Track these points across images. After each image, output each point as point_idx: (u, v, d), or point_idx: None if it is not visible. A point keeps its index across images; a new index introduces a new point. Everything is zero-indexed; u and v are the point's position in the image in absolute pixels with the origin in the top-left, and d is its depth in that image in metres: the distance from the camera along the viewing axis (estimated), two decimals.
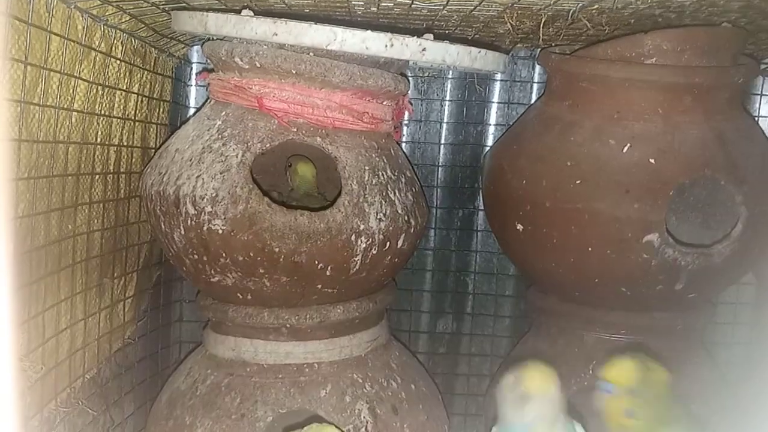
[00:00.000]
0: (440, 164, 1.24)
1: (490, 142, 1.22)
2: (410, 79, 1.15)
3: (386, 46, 0.81)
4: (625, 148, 0.91)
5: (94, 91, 0.84)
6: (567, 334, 1.04)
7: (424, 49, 0.83)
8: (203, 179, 0.84)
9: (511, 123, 1.19)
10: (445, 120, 1.23)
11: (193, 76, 1.17)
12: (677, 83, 0.90)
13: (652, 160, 0.90)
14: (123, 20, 0.87)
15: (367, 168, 0.88)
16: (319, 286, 0.88)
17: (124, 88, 0.93)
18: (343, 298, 0.92)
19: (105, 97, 0.87)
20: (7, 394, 0.36)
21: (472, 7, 0.83)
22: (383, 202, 0.88)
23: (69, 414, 0.84)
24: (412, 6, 0.84)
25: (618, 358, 0.76)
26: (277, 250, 0.84)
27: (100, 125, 0.88)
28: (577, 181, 0.91)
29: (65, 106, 0.77)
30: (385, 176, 0.90)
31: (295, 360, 0.92)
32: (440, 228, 1.25)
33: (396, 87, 0.89)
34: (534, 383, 0.70)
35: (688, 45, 0.91)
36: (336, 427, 0.69)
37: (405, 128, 1.22)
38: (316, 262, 0.85)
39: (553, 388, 0.71)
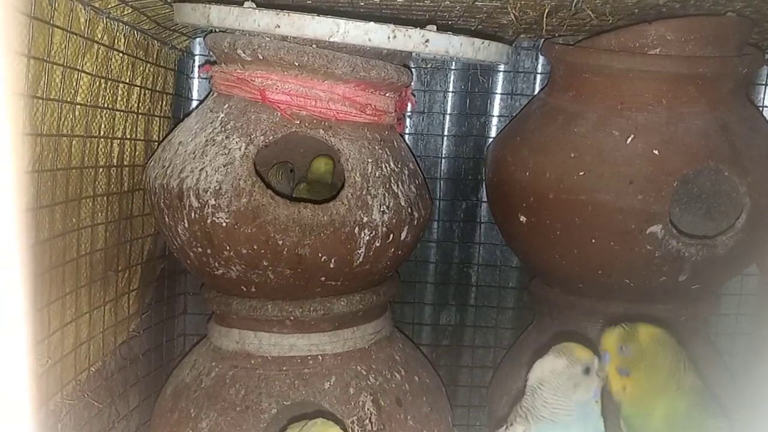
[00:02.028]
0: (443, 156, 1.23)
1: (493, 133, 1.22)
2: (413, 70, 1.15)
3: (389, 37, 0.81)
4: (629, 139, 0.91)
5: (97, 84, 0.84)
6: (570, 325, 1.04)
7: (427, 41, 0.82)
8: (207, 172, 0.84)
9: (514, 114, 1.18)
10: (448, 111, 1.22)
11: (196, 69, 1.17)
12: (681, 74, 0.90)
13: (655, 151, 0.90)
14: (125, 13, 0.87)
15: (370, 160, 0.88)
16: (323, 278, 0.88)
17: (127, 80, 0.92)
18: (347, 291, 0.93)
19: (108, 90, 0.87)
20: (22, 387, 0.36)
21: None
22: (386, 195, 0.88)
23: (74, 406, 0.84)
24: None
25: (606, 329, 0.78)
26: (280, 242, 0.84)
27: (104, 118, 0.88)
28: (581, 173, 0.91)
29: (68, 100, 0.77)
30: (389, 168, 0.90)
31: (299, 352, 0.93)
32: (443, 220, 1.25)
33: (399, 78, 0.89)
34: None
35: (692, 35, 0.90)
36: (341, 428, 0.69)
37: (408, 120, 1.22)
38: (320, 255, 0.85)
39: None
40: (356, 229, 0.86)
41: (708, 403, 0.77)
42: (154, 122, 1.04)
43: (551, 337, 1.03)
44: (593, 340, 0.82)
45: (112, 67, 0.88)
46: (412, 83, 1.08)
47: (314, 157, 1.04)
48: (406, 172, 0.94)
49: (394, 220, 0.89)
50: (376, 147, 0.90)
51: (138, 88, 0.96)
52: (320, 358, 0.93)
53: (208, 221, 0.84)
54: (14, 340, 0.37)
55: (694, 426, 0.74)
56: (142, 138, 1.00)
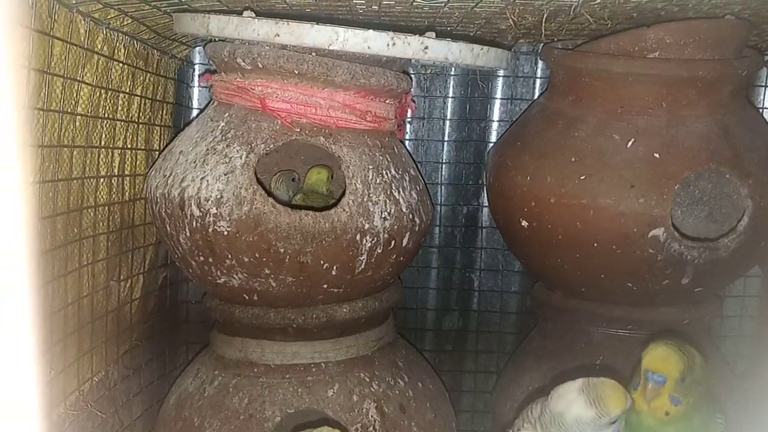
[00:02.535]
0: (444, 161, 1.23)
1: (493, 138, 1.22)
2: (413, 76, 1.15)
3: (388, 45, 0.81)
4: (629, 143, 0.91)
5: (98, 94, 0.84)
6: (573, 329, 1.03)
7: (426, 48, 0.83)
8: (208, 181, 0.85)
9: (514, 119, 1.18)
10: (448, 117, 1.23)
11: (196, 78, 1.17)
12: (680, 77, 0.90)
13: (656, 155, 0.89)
14: (125, 23, 0.87)
15: (371, 167, 0.88)
16: (325, 285, 0.88)
17: (127, 90, 0.93)
18: (349, 298, 0.92)
19: (108, 100, 0.88)
20: (31, 396, 0.37)
21: (474, 4, 0.83)
22: (388, 201, 0.88)
23: (78, 417, 0.84)
24: (414, 4, 0.84)
25: (661, 346, 0.74)
26: (282, 250, 0.84)
27: (104, 128, 0.88)
28: (582, 177, 0.91)
29: (69, 110, 0.78)
30: (389, 175, 0.90)
31: (302, 360, 0.92)
32: (445, 225, 1.25)
33: (398, 85, 0.89)
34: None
35: (691, 38, 0.91)
36: None
37: (408, 126, 1.22)
38: (322, 262, 0.85)
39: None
40: (358, 236, 0.86)
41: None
42: (155, 131, 1.05)
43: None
44: (624, 376, 0.79)
45: (113, 77, 0.88)
46: (412, 89, 1.08)
47: (309, 168, 1.03)
48: (407, 178, 0.94)
49: (395, 227, 0.89)
50: (377, 154, 0.90)
51: (138, 98, 0.96)
52: (323, 365, 0.93)
53: (210, 230, 0.84)
54: (22, 349, 0.37)
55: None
56: (143, 147, 1.00)
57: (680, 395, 0.73)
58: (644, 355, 0.74)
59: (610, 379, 0.69)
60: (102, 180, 0.89)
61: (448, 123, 1.23)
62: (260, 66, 0.84)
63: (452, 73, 1.21)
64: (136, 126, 0.97)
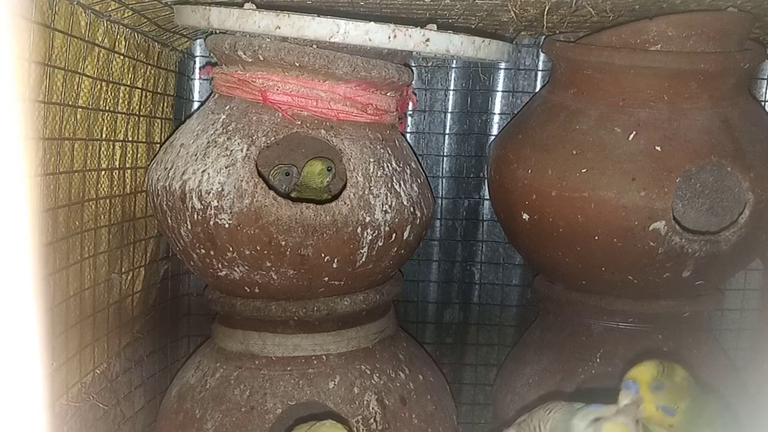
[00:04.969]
0: (445, 154, 1.23)
1: (494, 131, 1.22)
2: (414, 69, 1.15)
3: (389, 37, 0.81)
4: (631, 136, 0.90)
5: (99, 87, 0.84)
6: (574, 322, 1.04)
7: (427, 40, 0.82)
8: (209, 174, 0.85)
9: (515, 112, 1.18)
10: (450, 110, 1.22)
11: (197, 70, 1.17)
12: (682, 69, 0.90)
13: (658, 148, 0.89)
14: (126, 15, 0.87)
15: (371, 160, 0.88)
16: (326, 278, 0.88)
17: (128, 83, 0.93)
18: (350, 291, 0.93)
19: (109, 93, 0.88)
20: (35, 388, 0.37)
21: None
22: (389, 194, 0.88)
23: (80, 409, 0.84)
24: None
25: (641, 360, 0.75)
26: (283, 243, 0.84)
27: (105, 121, 0.88)
28: (583, 170, 0.91)
29: (70, 103, 0.78)
30: (390, 168, 0.90)
31: (304, 352, 0.93)
32: (446, 218, 1.25)
33: (400, 78, 0.89)
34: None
35: (693, 31, 0.90)
36: (347, 430, 0.69)
37: (409, 119, 1.22)
38: (323, 255, 0.85)
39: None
40: (359, 229, 0.86)
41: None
42: (156, 124, 1.04)
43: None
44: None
45: (113, 69, 0.88)
46: (413, 82, 1.08)
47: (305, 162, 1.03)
48: (408, 171, 0.94)
49: (396, 220, 0.89)
50: (378, 146, 0.90)
51: (139, 91, 0.96)
52: (324, 357, 0.93)
53: (211, 223, 0.84)
54: (25, 342, 0.37)
55: None
56: (144, 140, 1.00)
57: (669, 403, 0.73)
58: None
59: (618, 425, 0.68)
60: (103, 173, 0.89)
61: (449, 116, 1.23)
62: (261, 58, 0.84)
63: (454, 65, 1.21)
64: (137, 119, 0.97)
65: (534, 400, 0.98)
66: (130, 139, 0.96)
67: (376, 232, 0.87)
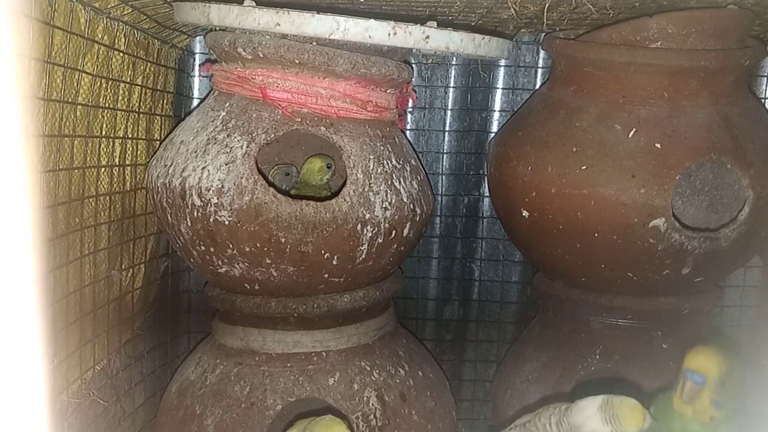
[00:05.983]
0: (445, 151, 1.23)
1: (494, 128, 1.22)
2: (414, 66, 1.15)
3: (389, 34, 0.81)
4: (631, 133, 0.90)
5: (98, 84, 0.84)
6: (573, 319, 1.04)
7: (427, 37, 0.82)
8: (209, 171, 0.85)
9: (515, 109, 1.18)
10: (450, 107, 1.22)
11: (197, 67, 1.17)
12: (682, 67, 0.90)
13: (657, 145, 0.89)
14: (125, 12, 0.87)
15: (371, 157, 0.88)
16: (326, 275, 0.88)
17: (128, 80, 0.93)
18: (350, 287, 0.93)
19: (109, 90, 0.88)
20: (37, 384, 0.37)
21: None
22: (388, 191, 0.88)
23: (80, 405, 0.84)
24: None
25: (704, 348, 0.74)
26: (283, 240, 0.84)
27: (105, 118, 0.88)
28: (583, 167, 0.91)
29: (69, 100, 0.78)
30: (390, 165, 0.90)
31: (304, 349, 0.93)
32: (446, 215, 1.25)
33: (399, 75, 0.89)
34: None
35: (693, 28, 0.90)
36: (347, 426, 0.69)
37: (409, 116, 1.22)
38: (323, 252, 0.86)
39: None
40: (359, 226, 0.86)
41: None
42: (156, 121, 1.04)
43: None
44: (641, 390, 0.79)
45: (113, 66, 0.88)
46: (413, 79, 1.08)
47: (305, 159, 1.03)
48: (408, 168, 0.94)
49: (396, 217, 0.89)
50: (378, 143, 0.90)
51: (139, 88, 0.96)
52: (324, 354, 0.93)
53: (211, 220, 0.84)
54: (26, 338, 0.37)
55: None
56: (144, 137, 1.00)
57: (722, 399, 0.72)
58: (687, 356, 0.74)
59: (630, 399, 0.69)
60: (103, 170, 0.89)
61: (449, 113, 1.23)
62: (261, 55, 0.84)
63: (454, 62, 1.21)
64: (136, 116, 0.97)
65: (535, 401, 0.98)
66: (130, 136, 0.96)
67: (376, 229, 0.87)
